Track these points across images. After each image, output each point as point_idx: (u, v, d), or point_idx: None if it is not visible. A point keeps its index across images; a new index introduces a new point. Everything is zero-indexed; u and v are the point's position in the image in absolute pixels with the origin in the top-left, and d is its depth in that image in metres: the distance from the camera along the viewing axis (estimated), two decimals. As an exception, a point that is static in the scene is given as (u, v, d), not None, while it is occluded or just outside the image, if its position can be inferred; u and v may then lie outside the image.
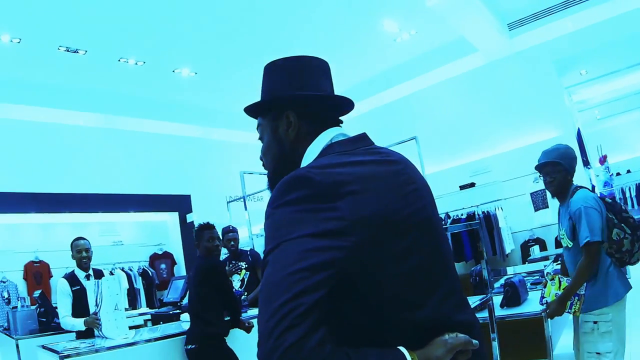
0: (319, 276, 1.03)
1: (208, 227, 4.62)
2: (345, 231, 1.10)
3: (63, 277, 5.12)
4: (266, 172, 1.52)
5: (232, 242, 6.32)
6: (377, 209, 1.16)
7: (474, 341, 1.20)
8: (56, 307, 6.56)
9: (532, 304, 3.56)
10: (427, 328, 1.18)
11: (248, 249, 6.79)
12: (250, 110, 1.52)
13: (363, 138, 1.40)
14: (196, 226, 4.73)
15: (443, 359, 1.14)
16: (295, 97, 1.43)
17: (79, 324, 4.77)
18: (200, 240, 4.55)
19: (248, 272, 6.09)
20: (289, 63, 1.47)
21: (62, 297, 4.95)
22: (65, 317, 4.89)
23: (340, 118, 1.51)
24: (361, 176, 1.20)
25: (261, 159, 1.53)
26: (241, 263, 6.19)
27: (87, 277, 5.08)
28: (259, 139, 1.52)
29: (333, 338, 1.01)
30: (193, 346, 4.27)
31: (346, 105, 1.50)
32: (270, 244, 1.11)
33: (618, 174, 15.06)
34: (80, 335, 4.88)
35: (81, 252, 5.10)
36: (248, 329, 4.59)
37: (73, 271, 5.14)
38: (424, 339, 1.16)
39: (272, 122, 1.45)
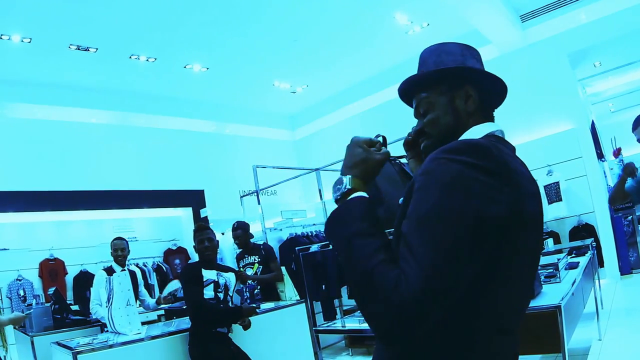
0: (470, 265, 1.10)
1: (198, 229, 4.59)
2: (503, 222, 1.13)
3: (102, 269, 5.84)
4: (424, 143, 1.51)
5: (238, 240, 6.48)
6: (528, 208, 1.22)
7: None
8: (70, 304, 6.79)
9: (546, 298, 3.50)
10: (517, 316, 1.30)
11: (261, 242, 6.82)
12: (422, 80, 1.50)
13: (509, 143, 1.45)
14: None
15: None
16: (482, 73, 1.45)
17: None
18: (195, 242, 4.56)
19: (261, 266, 6.13)
20: (463, 46, 1.54)
21: (96, 287, 5.57)
22: (95, 304, 5.52)
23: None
24: (519, 170, 1.26)
25: (421, 131, 1.51)
26: (254, 257, 6.22)
27: (123, 271, 5.62)
28: (421, 114, 1.50)
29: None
30: (188, 346, 4.29)
31: (503, 99, 1.56)
32: (442, 182, 1.14)
33: (633, 166, 14.88)
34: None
35: (117, 250, 5.91)
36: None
37: (111, 266, 5.87)
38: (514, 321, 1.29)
39: (448, 93, 1.44)
